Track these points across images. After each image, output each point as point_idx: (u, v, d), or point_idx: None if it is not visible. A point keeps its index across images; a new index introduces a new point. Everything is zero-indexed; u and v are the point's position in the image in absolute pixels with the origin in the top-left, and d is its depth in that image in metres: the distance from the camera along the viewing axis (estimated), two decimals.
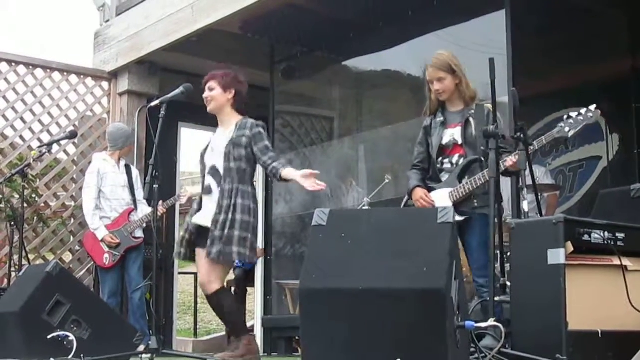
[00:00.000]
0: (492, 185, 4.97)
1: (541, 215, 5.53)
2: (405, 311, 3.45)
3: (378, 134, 8.70)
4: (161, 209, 7.64)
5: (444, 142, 5.62)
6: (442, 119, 5.67)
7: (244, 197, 5.75)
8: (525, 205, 5.22)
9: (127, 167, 8.10)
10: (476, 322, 3.80)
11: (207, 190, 5.94)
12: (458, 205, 5.43)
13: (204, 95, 6.04)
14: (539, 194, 6.00)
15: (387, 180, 7.74)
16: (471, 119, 5.53)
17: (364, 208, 7.41)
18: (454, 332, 3.56)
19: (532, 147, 5.15)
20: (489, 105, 5.43)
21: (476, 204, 5.44)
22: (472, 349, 4.16)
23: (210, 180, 5.92)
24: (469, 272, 6.44)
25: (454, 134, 5.60)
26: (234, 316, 6.03)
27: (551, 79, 8.75)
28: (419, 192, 5.62)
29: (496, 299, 4.75)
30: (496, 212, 5.00)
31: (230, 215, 5.70)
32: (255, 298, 9.88)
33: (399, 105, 8.68)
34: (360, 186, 8.91)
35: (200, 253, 5.90)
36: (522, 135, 5.06)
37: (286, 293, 8.88)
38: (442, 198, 5.54)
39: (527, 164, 5.12)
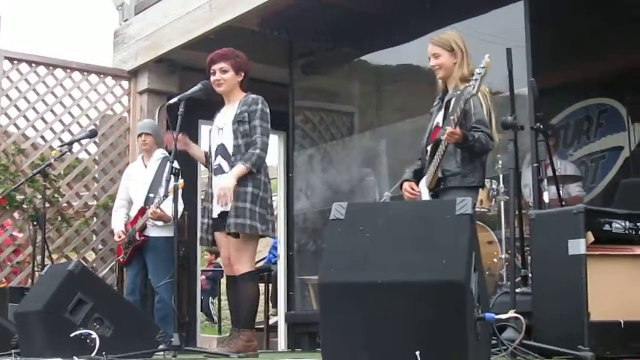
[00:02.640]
0: (513, 177, 4.95)
1: (562, 206, 5.51)
2: (424, 304, 3.42)
3: (398, 128, 8.66)
4: (153, 208, 7.25)
5: (432, 126, 5.46)
6: (437, 103, 5.51)
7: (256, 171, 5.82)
8: (545, 197, 5.20)
9: (161, 162, 7.75)
10: (497, 314, 3.79)
11: (218, 171, 5.95)
12: (434, 190, 5.27)
13: (216, 77, 5.99)
14: (561, 186, 5.98)
15: None
16: (452, 100, 5.21)
17: (385, 202, 7.39)
18: (475, 325, 3.54)
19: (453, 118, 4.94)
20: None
21: (442, 186, 5.25)
22: (494, 341, 4.15)
23: (220, 160, 5.93)
24: (490, 265, 6.43)
25: (439, 117, 5.42)
26: (251, 306, 5.99)
27: (571, 69, 8.70)
28: (405, 185, 5.48)
29: (517, 290, 4.74)
30: (516, 204, 4.98)
31: (242, 188, 5.72)
32: (278, 294, 9.88)
33: (418, 99, 8.65)
34: (382, 180, 8.88)
35: (220, 236, 5.92)
36: (541, 126, 5.05)
37: (309, 289, 8.87)
38: (423, 187, 5.38)
39: (548, 155, 5.11)
